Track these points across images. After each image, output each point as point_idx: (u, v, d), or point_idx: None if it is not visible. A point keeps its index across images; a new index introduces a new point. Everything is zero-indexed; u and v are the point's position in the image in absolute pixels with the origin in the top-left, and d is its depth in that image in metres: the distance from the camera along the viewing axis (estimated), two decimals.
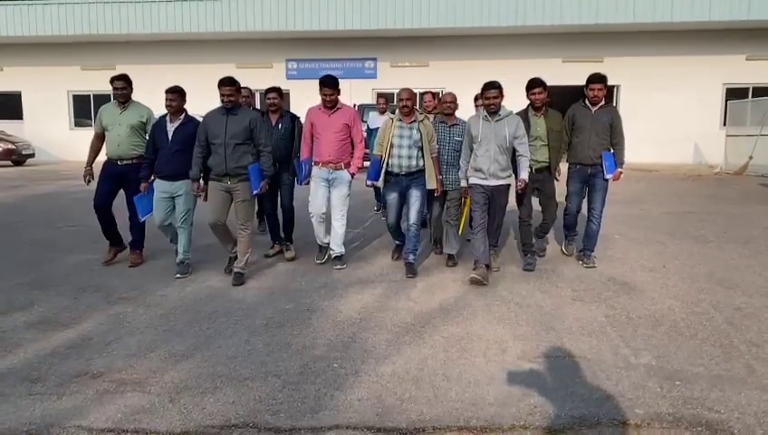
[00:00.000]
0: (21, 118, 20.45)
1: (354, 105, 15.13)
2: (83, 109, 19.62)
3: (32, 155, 18.91)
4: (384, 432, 2.77)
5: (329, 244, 5.74)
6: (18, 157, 18.35)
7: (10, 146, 18.20)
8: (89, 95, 19.32)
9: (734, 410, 2.93)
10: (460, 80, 15.13)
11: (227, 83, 5.02)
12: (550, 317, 4.29)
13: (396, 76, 18.44)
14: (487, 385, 3.23)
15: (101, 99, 17.30)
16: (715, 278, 5.23)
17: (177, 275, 5.34)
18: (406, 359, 3.58)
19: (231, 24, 17.80)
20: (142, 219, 5.60)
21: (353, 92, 17.48)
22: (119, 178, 5.65)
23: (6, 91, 20.48)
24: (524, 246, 5.73)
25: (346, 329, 4.09)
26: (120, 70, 19.51)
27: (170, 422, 2.87)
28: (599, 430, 2.77)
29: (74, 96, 20.04)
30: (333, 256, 5.74)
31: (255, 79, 15.70)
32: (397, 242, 5.95)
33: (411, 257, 5.50)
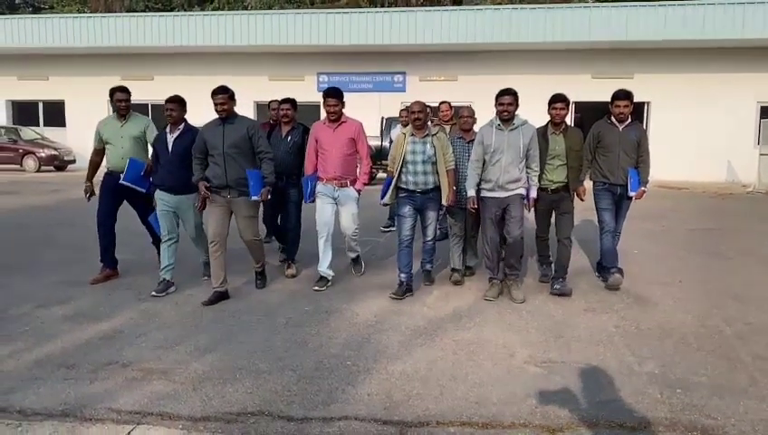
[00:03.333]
0: (64, 125, 21.24)
1: (382, 118, 15.42)
2: None
3: (73, 161, 19.62)
4: (390, 425, 2.94)
5: (329, 278, 5.42)
6: (60, 162, 19.06)
7: (53, 152, 18.95)
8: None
9: (730, 417, 3.02)
10: (489, 94, 15.17)
11: (219, 92, 4.83)
12: (560, 326, 4.40)
13: (425, 90, 18.62)
14: (492, 386, 3.37)
15: (139, 108, 17.87)
16: (730, 294, 5.25)
17: (205, 278, 5.46)
18: (416, 359, 3.74)
19: (265, 38, 18.26)
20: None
21: (382, 106, 17.77)
22: (122, 193, 5.52)
23: (51, 99, 21.32)
24: (541, 258, 5.75)
25: (361, 330, 4.28)
26: (157, 81, 19.92)
27: (192, 408, 3.09)
28: (596, 431, 2.89)
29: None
30: (351, 259, 5.82)
31: (288, 91, 16.10)
32: (401, 276, 5.17)
33: (429, 266, 5.56)
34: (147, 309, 4.74)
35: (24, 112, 22.08)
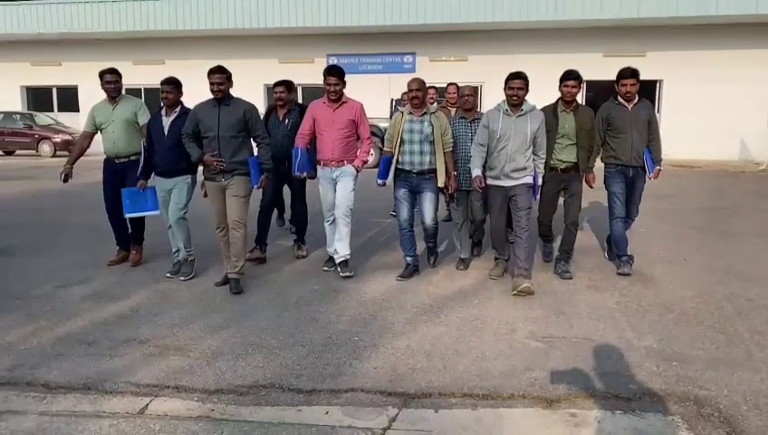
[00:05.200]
0: (77, 110, 21.44)
1: (392, 100, 15.43)
2: None
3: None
4: (394, 396, 3.08)
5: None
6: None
7: (68, 137, 19.16)
8: (140, 89, 20.12)
9: (723, 388, 3.12)
10: (500, 74, 15.09)
11: (216, 71, 4.67)
12: (563, 303, 4.51)
13: (435, 71, 18.57)
14: (494, 360, 3.50)
15: (152, 92, 18.04)
16: (733, 271, 5.31)
17: (181, 278, 5.14)
18: (421, 335, 3.87)
19: (275, 21, 18.29)
20: (126, 216, 5.38)
21: (392, 87, 17.77)
22: (120, 177, 5.44)
23: (65, 84, 21.53)
24: (542, 238, 5.63)
25: (369, 308, 4.42)
26: (168, 65, 19.93)
27: (206, 381, 3.25)
28: (591, 402, 3.01)
29: (127, 90, 20.85)
30: (339, 261, 5.22)
31: (298, 74, 16.19)
32: (407, 259, 5.23)
33: (431, 243, 5.45)
34: (162, 289, 4.91)
35: (38, 98, 22.37)
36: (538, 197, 5.10)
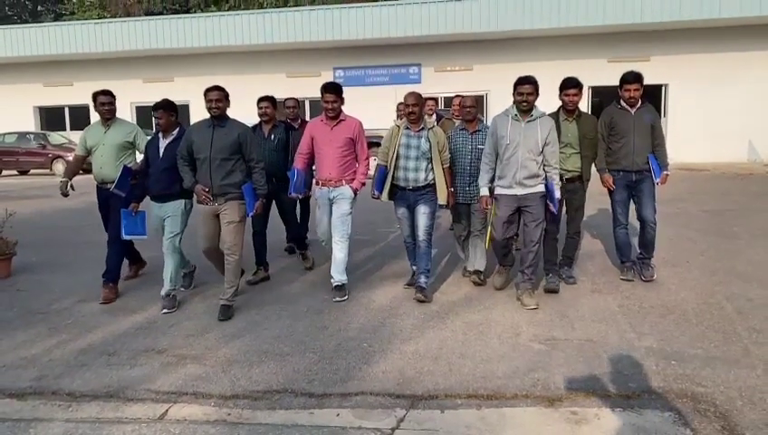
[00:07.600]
0: None
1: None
2: (146, 119, 20.84)
3: None
4: (402, 398, 3.22)
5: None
6: (88, 166, 19.62)
7: None
8: (150, 106, 20.55)
9: (720, 384, 3.23)
10: (505, 83, 15.25)
11: (214, 89, 4.59)
12: (566, 306, 4.62)
13: (440, 81, 18.84)
14: (498, 362, 3.62)
15: None
16: (735, 272, 5.40)
17: (164, 311, 4.80)
18: (428, 340, 4.01)
19: (281, 36, 18.61)
20: (125, 237, 5.22)
21: (398, 99, 17.97)
22: (109, 204, 5.28)
23: (76, 104, 21.91)
24: (546, 263, 5.18)
25: (377, 315, 4.56)
26: (177, 82, 20.25)
27: (222, 388, 3.41)
28: (593, 400, 3.13)
29: (137, 107, 21.32)
30: (334, 286, 5.00)
31: (305, 87, 16.47)
32: (413, 268, 5.21)
33: (423, 280, 4.90)
34: (178, 302, 5.05)
35: (50, 118, 22.82)
36: (557, 208, 4.76)
